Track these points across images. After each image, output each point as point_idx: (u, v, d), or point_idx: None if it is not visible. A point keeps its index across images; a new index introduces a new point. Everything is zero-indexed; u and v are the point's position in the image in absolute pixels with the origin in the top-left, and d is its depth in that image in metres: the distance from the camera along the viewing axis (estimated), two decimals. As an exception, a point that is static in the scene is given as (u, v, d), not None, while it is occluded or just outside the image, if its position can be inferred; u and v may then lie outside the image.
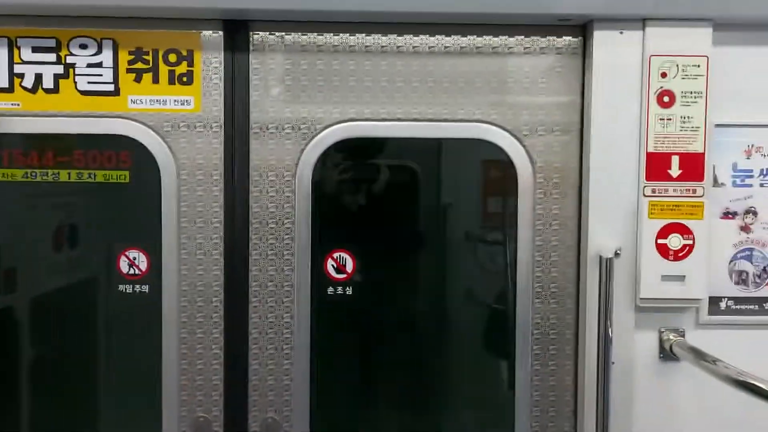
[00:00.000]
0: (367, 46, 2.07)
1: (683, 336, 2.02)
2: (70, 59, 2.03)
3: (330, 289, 2.11)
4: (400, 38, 2.07)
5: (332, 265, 2.11)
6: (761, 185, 2.04)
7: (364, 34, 2.06)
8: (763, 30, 2.01)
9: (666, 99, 1.98)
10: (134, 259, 2.09)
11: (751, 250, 2.04)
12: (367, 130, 2.09)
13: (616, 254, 1.96)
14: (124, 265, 2.09)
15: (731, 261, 2.05)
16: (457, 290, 2.21)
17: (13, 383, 2.16)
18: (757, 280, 2.04)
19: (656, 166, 1.99)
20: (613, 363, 1.95)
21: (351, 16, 2.02)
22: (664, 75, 1.98)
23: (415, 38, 2.07)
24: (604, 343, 1.95)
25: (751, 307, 2.05)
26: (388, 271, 2.18)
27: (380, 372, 2.22)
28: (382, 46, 2.07)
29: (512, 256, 2.10)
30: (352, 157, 2.14)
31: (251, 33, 2.06)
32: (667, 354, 2.01)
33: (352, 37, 2.06)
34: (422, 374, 2.22)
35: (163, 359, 2.07)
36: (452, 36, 2.07)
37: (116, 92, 2.04)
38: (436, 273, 2.20)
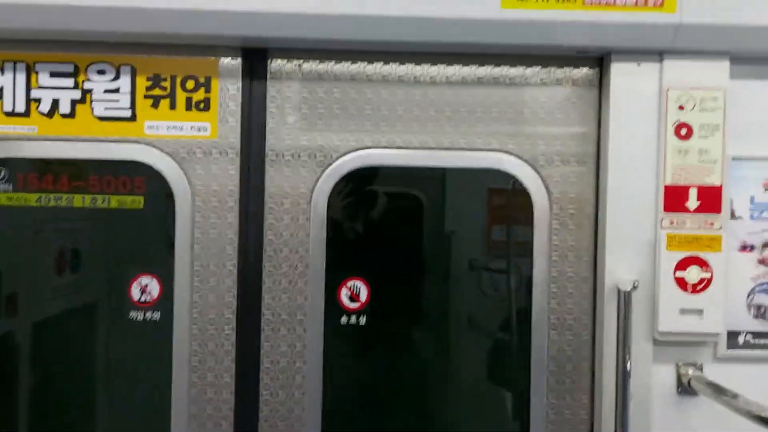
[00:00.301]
0: (384, 75, 2.07)
1: (701, 370, 2.00)
2: (87, 85, 2.03)
3: (344, 319, 2.09)
4: (417, 68, 2.07)
5: (346, 294, 2.09)
6: (779, 219, 2.03)
7: (381, 63, 2.07)
8: None
9: (683, 131, 1.98)
10: (146, 285, 2.06)
11: (768, 284, 2.03)
12: (383, 158, 2.08)
13: (634, 287, 1.94)
14: (135, 292, 2.07)
15: (749, 295, 2.03)
16: (472, 321, 2.18)
17: (18, 405, 2.13)
18: (776, 315, 2.03)
19: (674, 198, 1.98)
20: (633, 397, 1.92)
21: (368, 46, 2.02)
22: (681, 108, 1.98)
23: (433, 68, 2.07)
24: (622, 377, 1.92)
25: (771, 341, 2.03)
26: (403, 301, 2.16)
27: (394, 403, 2.18)
28: (400, 76, 2.07)
29: (528, 286, 2.08)
30: (368, 186, 2.13)
31: (269, 61, 2.06)
32: (685, 388, 1.98)
33: (369, 66, 2.07)
34: (437, 405, 2.19)
35: (173, 387, 2.04)
36: (469, 66, 2.08)
37: (133, 118, 2.04)
38: (451, 303, 2.18)
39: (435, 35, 1.95)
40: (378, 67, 2.07)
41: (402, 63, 2.07)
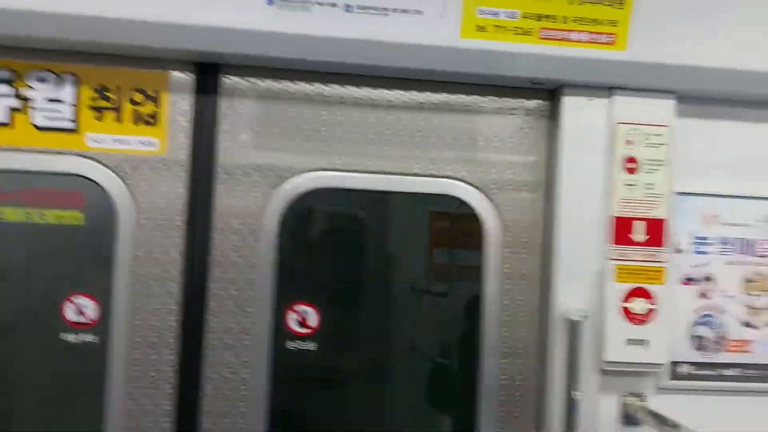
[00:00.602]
0: (341, 97, 2.05)
1: (645, 400, 2.03)
2: (26, 92, 1.92)
3: (291, 344, 2.02)
4: (374, 91, 2.06)
5: (295, 319, 2.03)
6: (719, 253, 2.10)
7: (338, 85, 2.04)
8: (722, 105, 2.10)
9: (631, 165, 2.03)
10: (82, 306, 1.95)
11: (709, 316, 2.09)
12: (337, 181, 2.05)
13: (583, 317, 1.96)
14: (70, 312, 1.95)
15: (691, 326, 2.08)
16: (423, 348, 2.16)
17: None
18: (716, 347, 2.08)
19: (621, 230, 2.02)
20: (579, 426, 1.93)
21: (325, 67, 2.00)
22: (629, 142, 2.04)
23: (389, 92, 2.07)
24: (570, 407, 1.93)
25: (710, 372, 2.08)
26: (353, 327, 2.12)
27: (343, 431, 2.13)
28: (356, 98, 2.06)
29: (479, 314, 2.08)
30: (321, 208, 2.09)
31: (222, 77, 2.01)
32: (629, 419, 2.01)
33: (326, 87, 2.04)
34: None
35: (108, 415, 1.92)
36: (425, 92, 2.08)
37: (75, 130, 1.94)
38: (403, 330, 2.15)
39: (392, 60, 1.94)
40: (335, 89, 2.05)
41: (359, 86, 2.05)
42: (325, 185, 2.05)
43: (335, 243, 2.14)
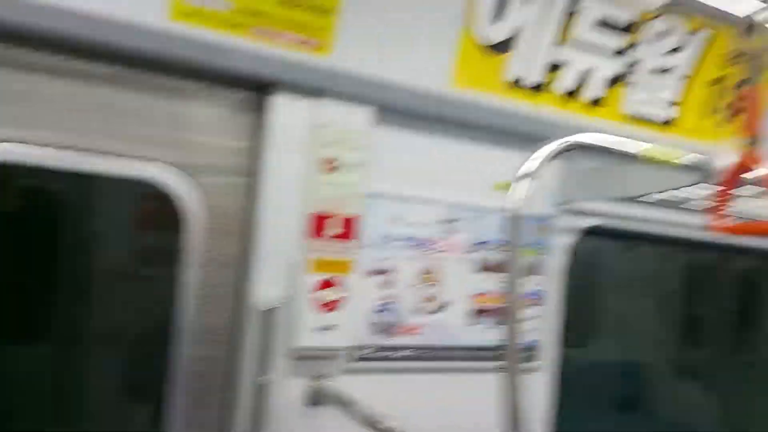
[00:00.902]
0: (32, 64, 1.86)
1: (331, 382, 2.19)
2: None
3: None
4: (75, 62, 1.91)
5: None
6: (400, 248, 2.36)
7: (25, 49, 1.85)
8: (413, 119, 2.34)
9: (329, 165, 2.18)
10: None
11: (390, 304, 2.33)
12: (19, 155, 1.86)
13: (277, 305, 2.06)
14: None
15: (374, 313, 2.31)
16: (111, 331, 2.06)
17: None
18: (394, 331, 2.34)
19: (317, 224, 2.16)
20: (267, 410, 2.01)
21: (9, 27, 1.79)
22: (329, 144, 2.18)
23: (92, 65, 1.93)
24: (260, 391, 2.01)
25: (390, 354, 2.32)
26: (26, 309, 1.94)
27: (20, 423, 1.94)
28: (51, 67, 1.88)
29: (177, 299, 2.06)
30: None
31: None
32: (317, 400, 2.16)
33: (13, 51, 1.83)
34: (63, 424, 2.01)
35: None
36: (133, 70, 1.99)
37: None
38: (86, 312, 2.03)
39: (95, 33, 1.82)
40: (24, 54, 1.85)
41: (56, 54, 1.88)
42: (7, 160, 1.85)
43: (18, 222, 1.94)
